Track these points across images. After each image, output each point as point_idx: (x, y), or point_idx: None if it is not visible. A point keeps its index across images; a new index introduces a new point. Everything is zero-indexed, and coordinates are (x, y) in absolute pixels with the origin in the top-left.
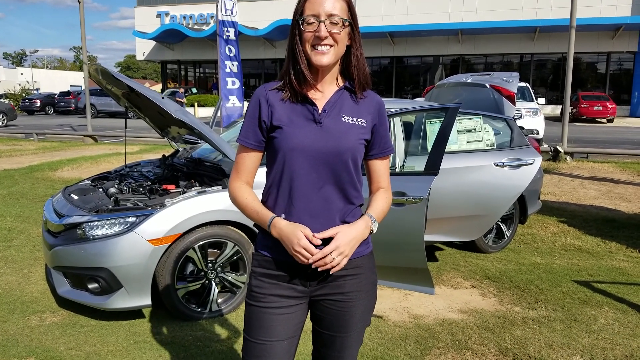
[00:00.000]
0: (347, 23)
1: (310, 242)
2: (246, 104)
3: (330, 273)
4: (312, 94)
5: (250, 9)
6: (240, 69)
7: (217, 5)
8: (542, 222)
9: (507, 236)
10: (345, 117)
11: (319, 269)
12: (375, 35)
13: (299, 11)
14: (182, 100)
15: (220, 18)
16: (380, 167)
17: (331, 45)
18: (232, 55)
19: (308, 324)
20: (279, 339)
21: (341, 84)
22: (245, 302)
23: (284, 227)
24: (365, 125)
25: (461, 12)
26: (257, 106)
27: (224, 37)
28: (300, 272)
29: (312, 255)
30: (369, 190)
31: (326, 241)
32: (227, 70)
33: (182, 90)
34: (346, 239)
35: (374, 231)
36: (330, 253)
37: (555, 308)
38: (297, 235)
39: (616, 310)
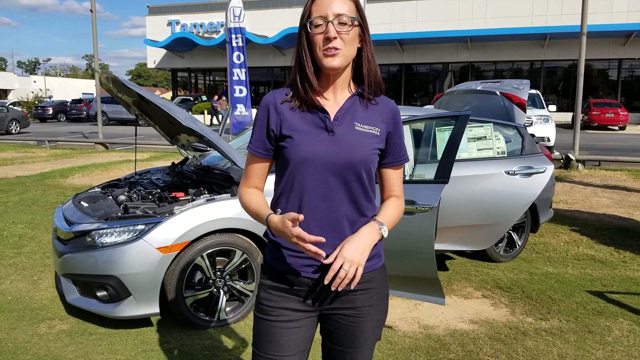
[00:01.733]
0: (356, 22)
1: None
2: (253, 111)
3: (351, 287)
4: (323, 101)
5: (259, 17)
6: (247, 76)
7: (226, 13)
8: (554, 231)
9: (518, 245)
10: (359, 125)
11: (339, 289)
12: (384, 42)
13: (306, 14)
14: (216, 105)
15: (229, 26)
16: (393, 176)
17: (340, 48)
18: (240, 62)
19: (317, 335)
20: (289, 354)
21: (354, 90)
22: (253, 314)
23: (275, 223)
24: (379, 133)
25: (470, 19)
26: (266, 114)
27: (233, 44)
28: (310, 286)
29: (307, 240)
30: (380, 198)
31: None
32: (235, 78)
33: (216, 97)
34: (352, 248)
35: (385, 236)
36: (341, 267)
37: (568, 319)
38: (287, 226)
39: (631, 322)
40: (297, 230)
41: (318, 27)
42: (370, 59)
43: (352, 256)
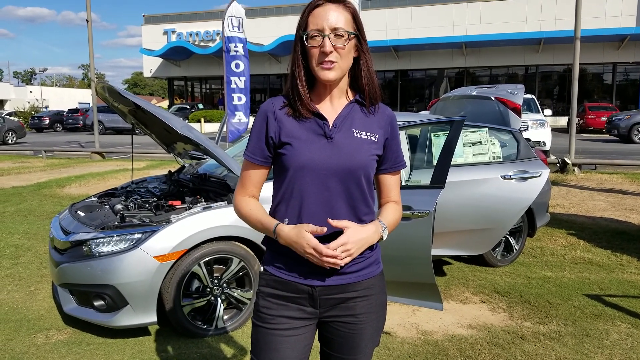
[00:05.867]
0: (352, 35)
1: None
2: (252, 119)
3: (327, 268)
4: (321, 108)
5: (255, 25)
6: (248, 84)
7: (223, 23)
8: (551, 234)
9: (515, 249)
10: (357, 131)
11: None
12: (380, 49)
13: (302, 26)
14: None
15: (226, 35)
16: (391, 182)
17: (336, 61)
18: (239, 70)
19: (315, 341)
20: None
21: (351, 97)
22: (252, 322)
23: (287, 233)
24: (377, 140)
25: (465, 25)
26: (265, 121)
27: (231, 53)
28: (309, 294)
29: (323, 254)
30: (377, 203)
31: (331, 238)
32: (233, 86)
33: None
34: (355, 237)
35: (384, 238)
36: (336, 248)
37: (566, 323)
38: (304, 237)
39: (629, 325)
40: (315, 242)
41: (314, 40)
42: (367, 69)
43: (350, 245)
